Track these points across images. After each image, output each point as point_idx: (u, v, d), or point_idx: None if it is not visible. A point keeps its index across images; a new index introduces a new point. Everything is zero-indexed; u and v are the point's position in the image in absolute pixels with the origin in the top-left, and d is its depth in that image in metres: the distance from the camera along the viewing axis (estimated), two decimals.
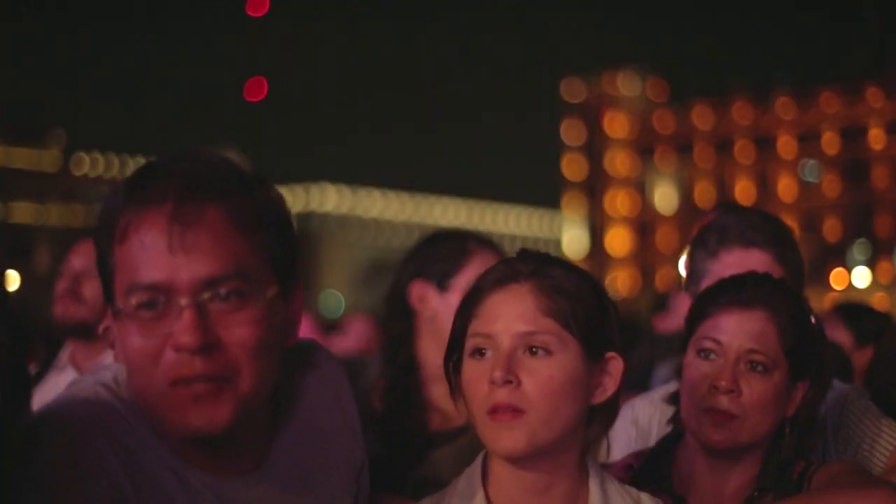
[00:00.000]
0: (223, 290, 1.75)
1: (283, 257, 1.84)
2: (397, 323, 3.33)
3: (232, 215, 1.77)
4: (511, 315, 2.10)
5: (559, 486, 2.13)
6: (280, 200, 1.87)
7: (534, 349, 2.08)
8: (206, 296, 1.74)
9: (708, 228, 3.15)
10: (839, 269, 70.53)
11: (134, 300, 1.75)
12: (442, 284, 3.27)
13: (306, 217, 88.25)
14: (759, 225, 3.09)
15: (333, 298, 67.71)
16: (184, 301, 1.73)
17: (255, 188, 1.83)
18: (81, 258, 4.16)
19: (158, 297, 1.74)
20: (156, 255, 1.73)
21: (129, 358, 1.77)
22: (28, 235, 77.66)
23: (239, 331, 1.76)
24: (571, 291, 2.12)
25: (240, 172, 1.83)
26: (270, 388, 1.85)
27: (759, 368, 2.43)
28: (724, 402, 2.41)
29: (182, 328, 1.72)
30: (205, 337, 1.73)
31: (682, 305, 3.06)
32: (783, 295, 2.52)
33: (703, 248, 3.10)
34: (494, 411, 2.06)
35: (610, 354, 2.16)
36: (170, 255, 1.73)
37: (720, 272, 2.92)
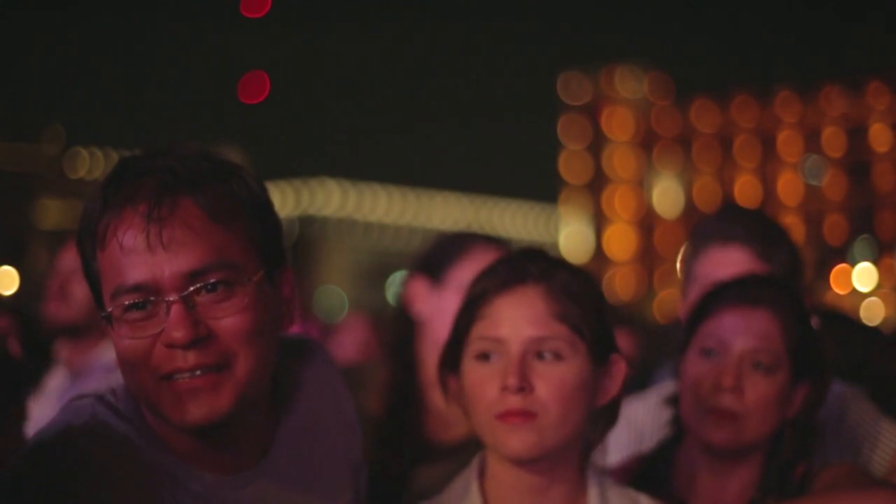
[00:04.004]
0: (208, 282, 1.75)
1: (265, 242, 1.84)
2: (399, 324, 3.26)
3: (207, 207, 1.76)
4: (520, 319, 2.09)
5: (558, 487, 2.13)
6: (257, 186, 1.87)
7: (545, 354, 2.07)
8: (191, 289, 1.74)
9: (693, 230, 3.17)
10: (842, 266, 70.20)
11: (121, 303, 1.75)
12: (435, 276, 3.18)
13: (307, 220, 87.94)
14: (738, 221, 3.08)
15: (336, 296, 67.60)
16: (170, 297, 1.73)
17: (229, 177, 1.82)
18: (69, 258, 4.13)
19: (145, 297, 1.74)
20: (136, 256, 1.73)
21: (123, 360, 1.77)
22: (25, 233, 77.56)
23: (229, 320, 1.76)
24: (580, 295, 2.11)
25: (212, 164, 1.82)
26: (269, 374, 1.85)
27: (763, 368, 2.40)
28: (727, 401, 2.39)
29: (172, 324, 1.73)
30: (195, 331, 1.73)
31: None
32: (787, 294, 2.50)
33: (688, 250, 3.11)
34: (505, 415, 2.05)
35: (614, 357, 2.16)
36: (150, 254, 1.73)
37: (703, 272, 2.92)
